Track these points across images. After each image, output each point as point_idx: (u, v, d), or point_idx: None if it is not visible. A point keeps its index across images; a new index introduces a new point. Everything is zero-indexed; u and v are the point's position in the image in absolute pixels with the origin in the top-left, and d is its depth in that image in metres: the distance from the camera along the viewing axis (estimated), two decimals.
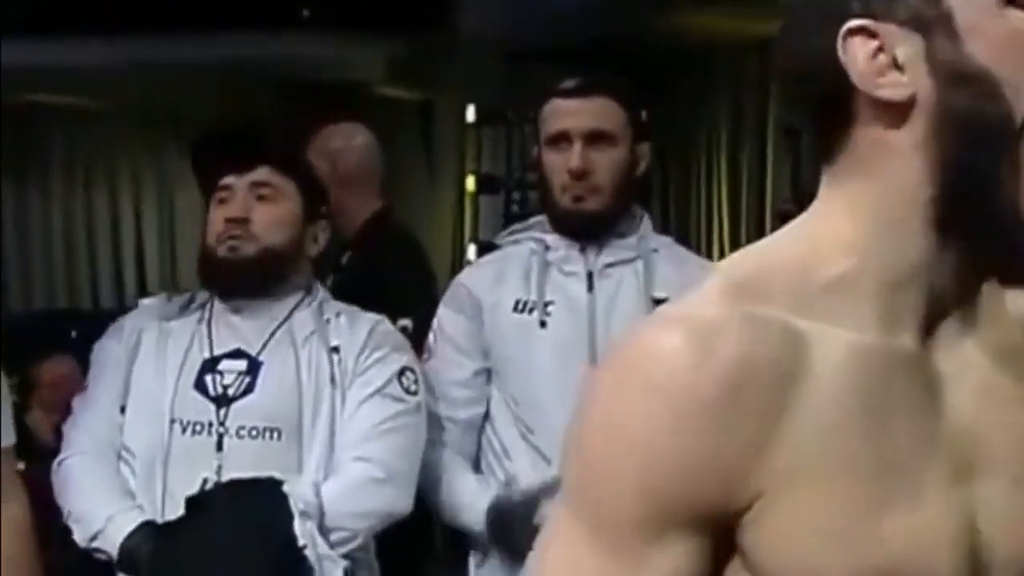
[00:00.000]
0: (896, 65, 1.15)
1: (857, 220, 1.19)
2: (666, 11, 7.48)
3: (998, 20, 1.14)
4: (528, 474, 2.98)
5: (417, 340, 3.83)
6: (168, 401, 2.82)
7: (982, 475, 1.20)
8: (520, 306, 3.02)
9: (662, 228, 4.95)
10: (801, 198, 6.53)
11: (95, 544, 2.82)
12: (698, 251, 3.43)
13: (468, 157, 8.95)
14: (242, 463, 2.77)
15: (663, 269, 3.03)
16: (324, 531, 2.72)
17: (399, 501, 2.83)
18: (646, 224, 3.10)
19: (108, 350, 2.95)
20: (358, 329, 2.89)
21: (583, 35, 7.51)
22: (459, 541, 3.16)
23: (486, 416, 3.07)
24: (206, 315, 2.93)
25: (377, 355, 2.86)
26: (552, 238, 3.04)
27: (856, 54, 1.15)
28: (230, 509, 2.72)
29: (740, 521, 1.16)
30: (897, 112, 1.16)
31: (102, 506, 2.83)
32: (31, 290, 10.67)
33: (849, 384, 1.16)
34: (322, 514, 2.72)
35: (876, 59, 1.15)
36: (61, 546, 2.93)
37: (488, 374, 3.06)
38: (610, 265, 3.02)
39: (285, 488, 2.72)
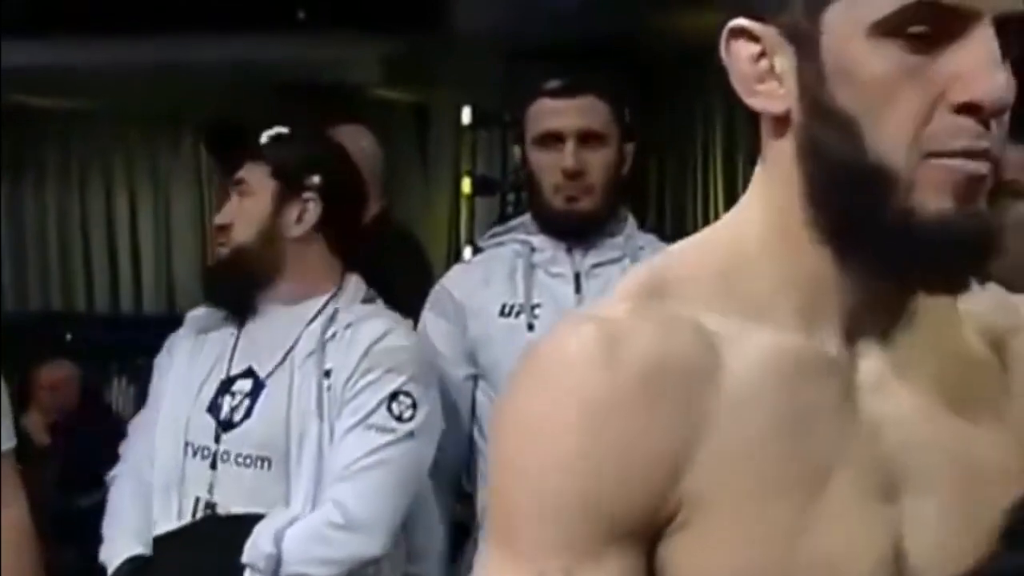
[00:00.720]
0: (775, 73, 1.11)
1: (764, 224, 1.15)
2: (663, 11, 7.47)
3: (866, 55, 1.07)
4: None
5: None
6: (183, 424, 2.74)
7: (909, 494, 1.14)
8: (507, 310, 2.99)
9: (658, 228, 4.95)
10: None
11: (108, 568, 2.79)
12: None
13: (463, 159, 8.94)
14: (235, 492, 2.68)
15: None
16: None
17: (366, 547, 2.61)
18: (631, 223, 3.08)
19: (157, 366, 2.89)
20: (355, 347, 2.70)
21: (580, 36, 7.51)
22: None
23: (474, 423, 3.03)
24: (239, 325, 2.81)
25: (368, 379, 2.67)
26: (538, 239, 3.01)
27: (739, 55, 1.12)
28: (183, 555, 2.68)
29: (663, 536, 1.11)
30: (778, 122, 1.13)
31: (115, 535, 2.80)
32: (26, 292, 10.65)
33: (767, 384, 1.11)
34: (278, 563, 2.58)
35: (757, 64, 1.12)
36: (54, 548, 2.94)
37: (475, 380, 3.02)
38: (597, 265, 3.00)
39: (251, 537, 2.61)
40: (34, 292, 10.74)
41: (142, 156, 10.77)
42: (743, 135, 8.13)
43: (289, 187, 2.78)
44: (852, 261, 1.12)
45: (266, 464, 2.66)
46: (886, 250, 1.09)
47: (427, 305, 3.10)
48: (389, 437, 2.66)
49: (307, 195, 2.78)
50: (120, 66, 8.59)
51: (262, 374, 2.72)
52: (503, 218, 8.62)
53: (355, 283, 2.84)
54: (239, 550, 2.58)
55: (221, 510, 2.68)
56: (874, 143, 1.07)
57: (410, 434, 2.68)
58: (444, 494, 3.05)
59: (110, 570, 2.74)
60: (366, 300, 2.83)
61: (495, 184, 8.48)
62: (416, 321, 3.83)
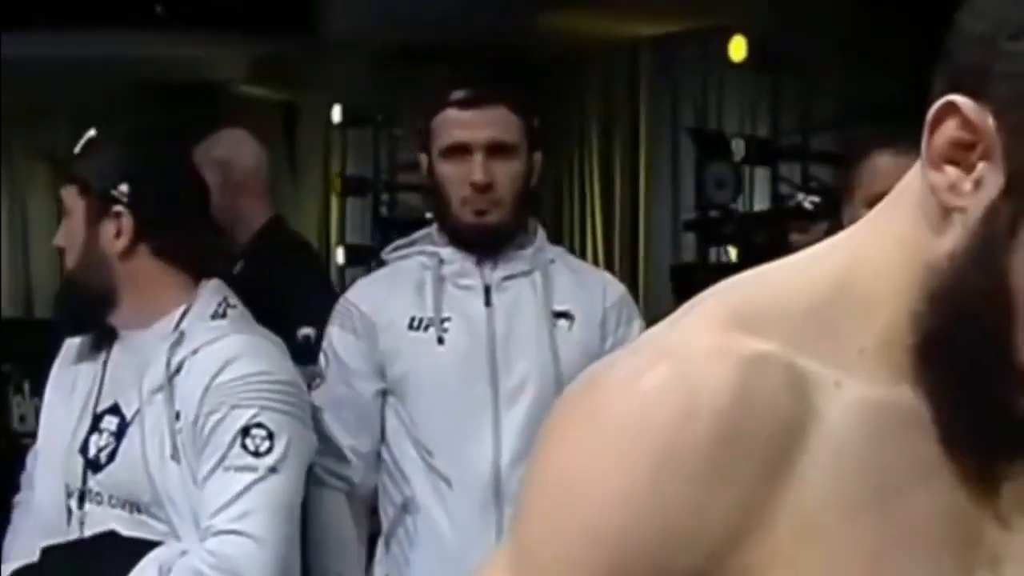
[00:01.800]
0: (971, 174, 0.98)
1: (881, 269, 1.02)
2: (536, 13, 7.45)
3: None
4: (427, 497, 2.88)
5: (320, 348, 3.77)
6: (60, 467, 2.59)
7: (1011, 563, 1.04)
8: (416, 323, 2.91)
9: None
10: (709, 205, 6.53)
11: None
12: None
13: (334, 159, 8.85)
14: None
15: (561, 281, 2.95)
16: None
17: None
18: (541, 235, 3.01)
19: (45, 396, 2.76)
20: (196, 384, 2.48)
21: (452, 36, 7.46)
22: None
23: (383, 439, 2.95)
24: (107, 354, 2.63)
25: (214, 419, 2.46)
26: (447, 251, 2.94)
27: (944, 131, 0.98)
28: (70, 564, 2.58)
29: None
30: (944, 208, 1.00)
31: (11, 553, 2.73)
32: None
33: (862, 440, 0.99)
34: None
35: (958, 151, 0.99)
36: None
37: (384, 395, 2.95)
38: (508, 278, 2.93)
39: (153, 555, 2.49)
40: None
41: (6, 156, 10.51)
42: (619, 139, 8.13)
43: (98, 202, 2.56)
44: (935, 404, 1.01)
45: (135, 508, 2.51)
46: (972, 415, 1.00)
47: (332, 320, 3.00)
48: (252, 476, 2.46)
49: (117, 208, 2.56)
50: None
51: (127, 412, 2.56)
52: (376, 219, 8.59)
53: (206, 296, 2.61)
54: (125, 571, 2.48)
55: None
56: (1019, 336, 0.97)
57: (272, 469, 2.49)
58: (360, 514, 2.98)
59: None
60: (216, 315, 2.59)
61: (367, 184, 8.39)
62: (318, 329, 3.78)
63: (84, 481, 2.55)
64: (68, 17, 7.95)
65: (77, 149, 2.66)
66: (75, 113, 8.64)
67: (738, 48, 6.40)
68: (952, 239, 0.99)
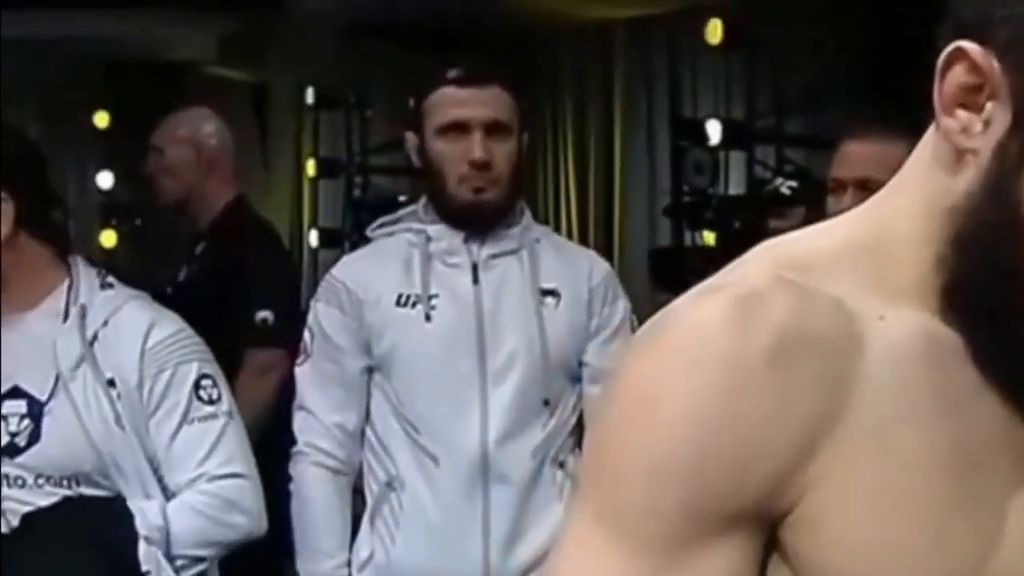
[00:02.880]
0: (981, 115, 1.05)
1: (916, 211, 1.09)
2: None
3: None
4: (413, 474, 2.89)
5: (278, 332, 3.75)
6: None
7: None
8: (403, 300, 2.92)
9: None
10: (688, 189, 6.49)
11: None
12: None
13: (306, 141, 8.79)
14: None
15: (547, 259, 2.98)
16: (170, 557, 2.54)
17: (252, 524, 2.61)
18: (527, 215, 3.05)
19: None
20: (128, 351, 2.57)
21: (424, 16, 7.42)
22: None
23: (368, 416, 2.97)
24: None
25: (161, 382, 2.57)
26: (435, 229, 2.96)
27: (953, 78, 1.05)
28: (68, 527, 2.53)
29: (788, 519, 1.04)
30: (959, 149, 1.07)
31: None
32: None
33: (914, 368, 1.05)
34: (169, 545, 2.53)
35: (968, 95, 1.05)
36: None
37: (370, 372, 2.96)
38: (495, 256, 2.95)
39: (131, 508, 2.53)
40: None
41: None
42: (594, 123, 8.10)
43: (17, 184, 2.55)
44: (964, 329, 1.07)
45: (73, 482, 2.55)
46: (999, 351, 1.06)
47: (318, 296, 3.00)
48: (219, 423, 2.61)
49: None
50: None
51: (37, 393, 2.56)
52: (349, 201, 8.53)
53: (84, 268, 2.66)
54: (107, 530, 2.51)
55: None
56: None
57: (228, 413, 2.63)
58: (345, 492, 2.99)
59: None
60: (104, 286, 2.65)
61: (340, 166, 8.33)
62: (276, 311, 3.76)
63: (8, 465, 2.53)
64: None
65: None
66: (42, 93, 8.55)
67: (714, 31, 6.37)
68: (967, 180, 1.05)
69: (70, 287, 2.61)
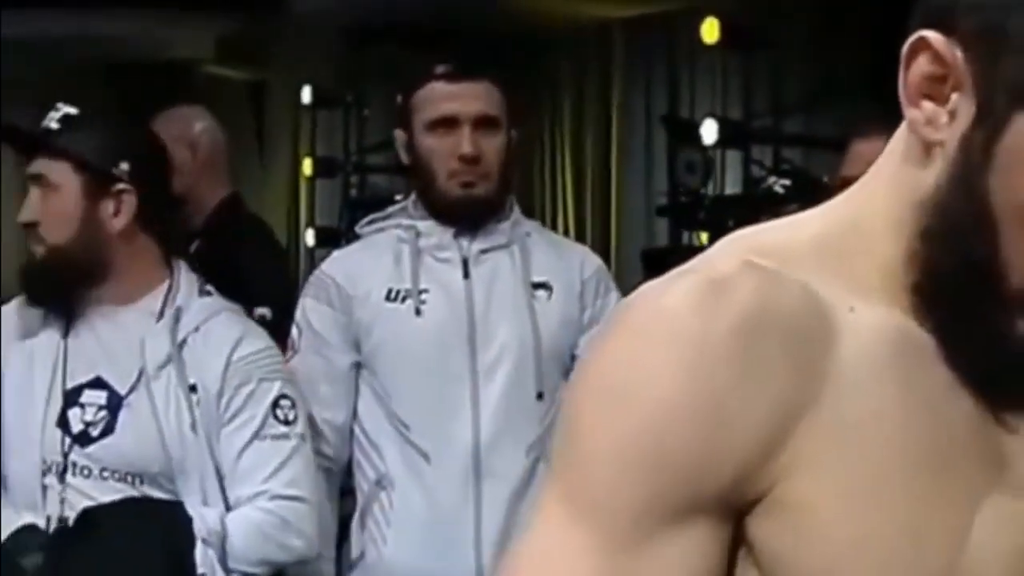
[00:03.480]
0: (946, 106, 1.03)
1: (885, 207, 1.07)
2: None
3: None
4: (403, 472, 2.88)
5: (276, 328, 3.76)
6: (38, 443, 2.60)
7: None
8: (393, 295, 2.91)
9: None
10: (680, 189, 6.50)
11: None
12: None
13: (303, 140, 8.79)
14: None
15: (539, 253, 2.98)
16: (225, 567, 2.56)
17: (306, 549, 2.65)
18: (516, 209, 3.04)
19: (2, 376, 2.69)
20: (214, 358, 2.63)
21: (421, 16, 7.42)
22: None
23: (355, 413, 2.96)
24: (64, 329, 2.66)
25: (242, 394, 2.62)
26: (425, 224, 2.95)
27: (917, 67, 1.04)
28: (128, 525, 2.56)
29: (756, 508, 1.02)
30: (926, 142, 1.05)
31: None
32: None
33: (886, 359, 1.03)
34: (225, 553, 2.55)
35: (932, 85, 1.03)
36: None
37: (359, 368, 2.95)
38: (485, 251, 2.95)
39: (190, 512, 2.56)
40: None
41: None
42: (591, 122, 8.10)
43: (97, 180, 2.62)
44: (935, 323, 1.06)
45: (138, 479, 2.59)
46: (972, 347, 1.04)
47: (306, 291, 3.01)
48: (290, 444, 2.65)
49: (119, 186, 2.63)
50: None
51: (119, 387, 2.61)
52: (346, 200, 8.53)
53: (186, 273, 2.73)
54: (165, 530, 2.55)
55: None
56: (1008, 258, 1.02)
57: (301, 436, 2.67)
58: (333, 490, 2.98)
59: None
60: (202, 292, 2.73)
61: (337, 165, 8.34)
62: (274, 309, 3.77)
63: (66, 455, 2.58)
64: None
65: (54, 124, 2.63)
66: (41, 92, 8.57)
67: (711, 30, 6.37)
68: (935, 173, 1.04)
69: (169, 288, 2.66)
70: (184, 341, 2.62)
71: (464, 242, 2.94)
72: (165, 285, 2.68)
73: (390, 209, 3.05)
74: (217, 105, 4.79)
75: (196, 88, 8.78)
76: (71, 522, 2.55)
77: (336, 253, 3.16)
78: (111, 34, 8.50)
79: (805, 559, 1.02)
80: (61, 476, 2.58)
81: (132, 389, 2.60)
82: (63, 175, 2.61)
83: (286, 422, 2.64)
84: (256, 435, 2.61)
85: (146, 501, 2.59)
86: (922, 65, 1.03)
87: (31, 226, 2.63)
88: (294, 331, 2.99)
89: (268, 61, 8.96)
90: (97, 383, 2.62)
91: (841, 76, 6.40)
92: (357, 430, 2.95)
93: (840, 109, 5.98)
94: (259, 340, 2.70)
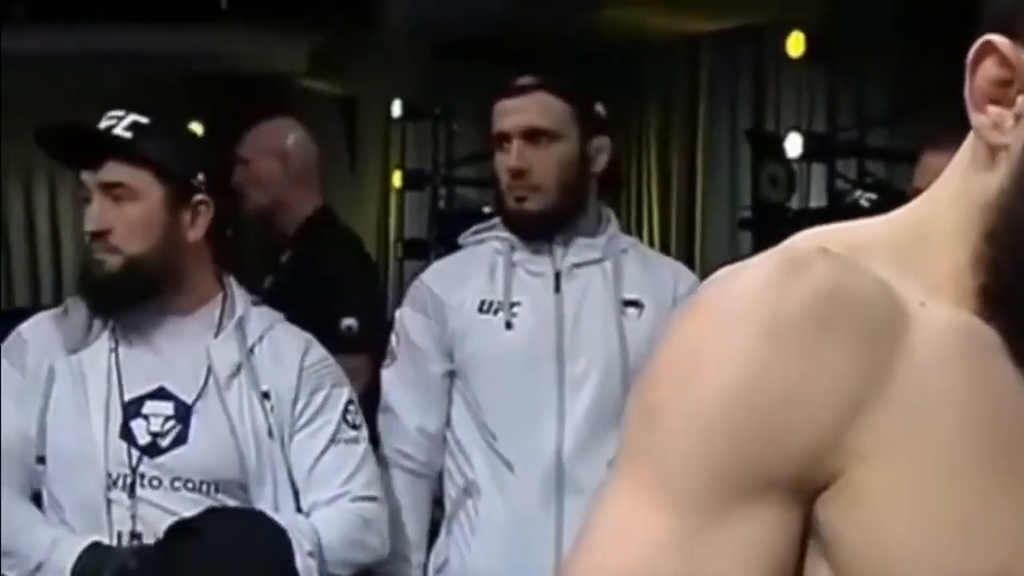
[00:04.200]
0: (1013, 109, 1.03)
1: (954, 210, 1.08)
2: (594, 7, 7.46)
3: None
4: (488, 481, 2.91)
5: (362, 339, 3.82)
6: (101, 456, 2.55)
7: None
8: (485, 307, 2.94)
9: None
10: (764, 203, 6.50)
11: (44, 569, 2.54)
12: None
13: (393, 152, 8.88)
14: (166, 518, 2.54)
15: (632, 270, 2.98)
16: (323, 572, 2.59)
17: (382, 549, 2.72)
18: (613, 224, 3.05)
19: (9, 381, 2.61)
20: (286, 367, 2.65)
21: (510, 30, 7.48)
22: None
23: (448, 421, 3.00)
24: (115, 340, 2.62)
25: (317, 401, 2.66)
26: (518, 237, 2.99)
27: (984, 72, 1.04)
28: (234, 534, 2.54)
29: (825, 494, 1.02)
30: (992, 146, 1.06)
31: (40, 534, 2.56)
32: None
33: (959, 351, 1.03)
34: (322, 557, 2.58)
35: (999, 89, 1.04)
36: None
37: (452, 377, 2.98)
38: (578, 265, 2.96)
39: (281, 522, 2.56)
40: None
41: None
42: (675, 133, 8.11)
43: (178, 190, 2.61)
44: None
45: (212, 488, 2.58)
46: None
47: (405, 301, 3.05)
48: (361, 448, 2.70)
49: (198, 197, 2.62)
50: (41, 56, 8.44)
51: (184, 396, 2.59)
52: (434, 213, 8.62)
53: (235, 285, 2.73)
54: (263, 541, 2.54)
55: (147, 539, 2.56)
56: None
57: (368, 440, 2.73)
58: (424, 496, 3.02)
59: (67, 565, 2.51)
60: (256, 303, 2.74)
61: (426, 177, 8.42)
62: (360, 319, 3.83)
63: (134, 468, 2.55)
64: (131, 11, 8.03)
65: (125, 132, 2.60)
66: (138, 108, 8.73)
67: (796, 43, 6.39)
68: (999, 176, 1.03)
69: (224, 299, 2.67)
70: (252, 349, 2.63)
71: (557, 256, 2.95)
72: (219, 296, 2.67)
73: (494, 220, 3.06)
74: (310, 118, 4.85)
75: (290, 102, 8.91)
76: (161, 534, 2.51)
77: (435, 263, 3.18)
78: (206, 49, 8.64)
79: (867, 547, 1.01)
80: (131, 489, 2.54)
81: (199, 398, 2.58)
82: (144, 183, 2.57)
83: (355, 426, 2.68)
84: (332, 440, 2.64)
85: (241, 511, 2.58)
86: (988, 69, 1.03)
87: (100, 235, 2.57)
88: (392, 339, 3.03)
89: (359, 75, 9.05)
90: (160, 393, 2.59)
91: (925, 88, 6.39)
92: (449, 437, 2.98)
93: (925, 122, 5.97)
94: (320, 348, 2.73)
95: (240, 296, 2.70)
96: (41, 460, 2.59)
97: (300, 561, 2.53)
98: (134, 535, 2.54)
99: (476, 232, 3.06)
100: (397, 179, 8.52)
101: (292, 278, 4.00)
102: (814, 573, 1.04)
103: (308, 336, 2.74)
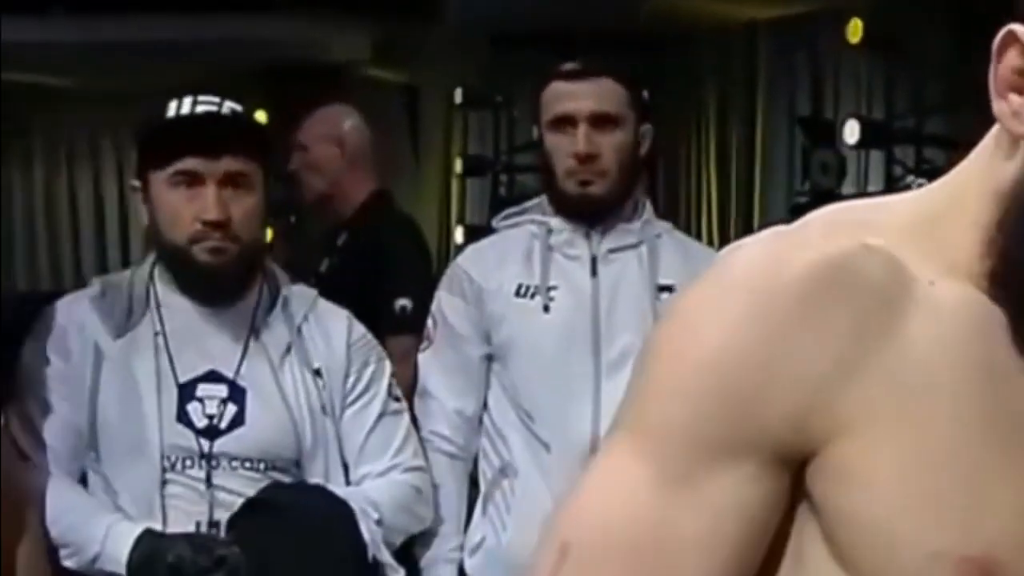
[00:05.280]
0: None
1: (977, 192, 1.09)
2: None
3: None
4: (525, 461, 2.95)
5: (416, 320, 3.85)
6: (156, 440, 2.56)
7: None
8: (523, 290, 2.98)
9: None
10: (815, 190, 6.51)
11: (97, 567, 2.53)
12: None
13: (455, 139, 8.93)
14: (234, 497, 2.58)
15: (667, 255, 3.00)
16: (385, 541, 2.64)
17: (430, 513, 2.80)
18: (648, 209, 3.07)
19: (52, 368, 2.60)
20: (335, 344, 2.69)
21: (570, 18, 7.51)
22: None
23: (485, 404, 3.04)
24: (158, 320, 2.64)
25: (366, 376, 2.71)
26: (556, 221, 3.01)
27: (1006, 60, 1.07)
28: (299, 509, 2.57)
29: (813, 463, 1.04)
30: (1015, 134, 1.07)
31: (95, 524, 2.54)
32: (13, 273, 10.61)
33: (963, 328, 1.05)
34: (383, 527, 2.63)
35: (1018, 77, 1.06)
36: None
37: (489, 360, 3.02)
38: (614, 250, 2.99)
39: (340, 493, 2.61)
40: (21, 273, 10.70)
41: (129, 136, 10.74)
42: (734, 121, 8.12)
43: (268, 178, 2.69)
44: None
45: (270, 467, 2.61)
46: None
47: (442, 284, 3.09)
48: (405, 419, 2.76)
49: (275, 185, 2.74)
50: (109, 45, 8.56)
51: (238, 378, 2.62)
52: (495, 198, 8.67)
53: (272, 264, 2.77)
54: (331, 513, 2.58)
55: (220, 515, 2.59)
56: None
57: (406, 410, 2.80)
58: (462, 477, 3.06)
59: (123, 553, 2.50)
60: (293, 281, 2.78)
61: (487, 164, 8.48)
62: (414, 300, 3.88)
63: (202, 450, 2.57)
64: (198, 2, 8.13)
65: (241, 122, 2.69)
66: (201, 95, 8.84)
67: (855, 30, 6.38)
68: (1016, 165, 1.05)
69: (264, 280, 2.70)
70: (299, 328, 2.66)
71: (594, 240, 2.98)
72: (259, 277, 2.70)
73: (526, 204, 3.11)
74: (373, 107, 4.91)
75: (352, 89, 9.00)
76: (236, 508, 2.54)
77: (471, 247, 3.21)
78: (270, 37, 8.72)
79: (853, 518, 1.03)
80: (207, 477, 2.56)
81: (253, 378, 2.61)
82: (256, 173, 2.62)
83: (398, 399, 2.74)
84: (382, 413, 2.69)
85: (304, 485, 2.61)
86: (1011, 58, 1.05)
87: (221, 225, 2.58)
88: (429, 322, 3.08)
89: (422, 64, 9.11)
90: (212, 376, 2.61)
91: (983, 76, 6.37)
92: (486, 419, 3.02)
93: (982, 110, 5.96)
94: (359, 323, 2.77)
95: (281, 276, 2.74)
96: (91, 446, 2.58)
97: (366, 529, 2.56)
98: (212, 523, 2.56)
99: (508, 216, 3.10)
100: (458, 166, 8.58)
101: (348, 260, 4.08)
102: (803, 537, 1.07)
103: (347, 312, 2.78)
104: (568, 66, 2.99)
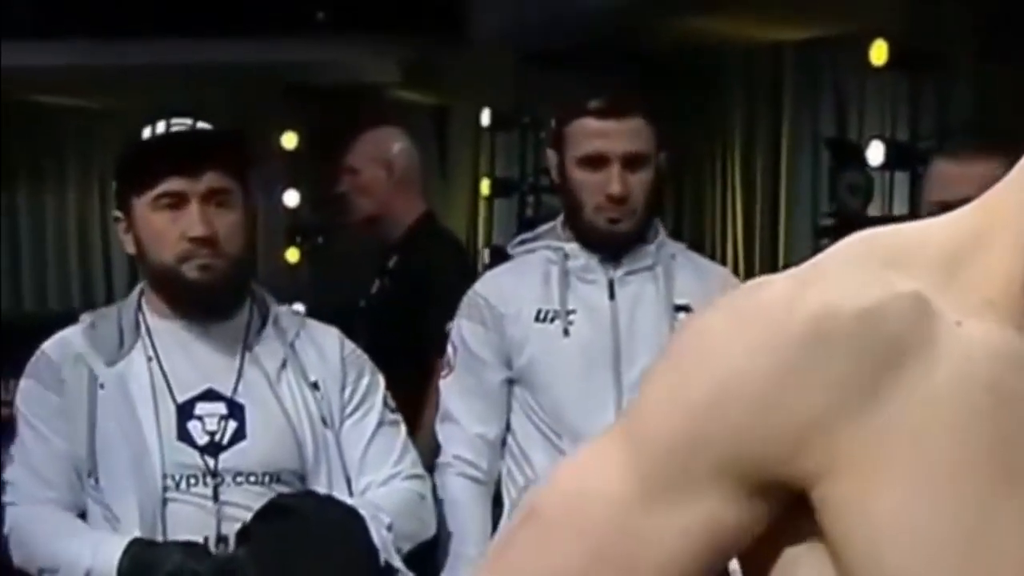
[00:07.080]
0: None
1: (1014, 217, 1.05)
2: (678, 16, 7.52)
3: None
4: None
5: None
6: (157, 459, 2.57)
7: None
8: (542, 315, 3.01)
9: (675, 232, 4.99)
10: (842, 212, 6.52)
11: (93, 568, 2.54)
12: (712, 260, 3.48)
13: (482, 161, 8.99)
14: (241, 512, 2.60)
15: (683, 275, 3.04)
16: (396, 548, 2.66)
17: (433, 523, 2.80)
18: (662, 231, 3.11)
19: (46, 403, 2.63)
20: (329, 357, 2.72)
21: (596, 40, 7.55)
22: None
23: (508, 428, 3.06)
24: (150, 346, 2.66)
25: (362, 387, 2.73)
26: (571, 246, 3.04)
27: None
28: (311, 518, 2.59)
29: (811, 501, 1.03)
30: None
31: (84, 543, 2.56)
32: (21, 293, 10.69)
33: (981, 373, 1.00)
34: (393, 534, 2.65)
35: None
36: None
37: (510, 384, 3.05)
38: (630, 273, 3.03)
39: (350, 502, 2.64)
40: (29, 293, 10.77)
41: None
42: (759, 142, 8.15)
43: (249, 195, 2.70)
44: None
45: (274, 480, 2.64)
46: None
47: (460, 312, 3.11)
48: (401, 428, 2.78)
49: (253, 199, 2.73)
50: (138, 68, 8.64)
51: (235, 395, 2.65)
52: (521, 220, 8.72)
53: (258, 286, 2.79)
54: (344, 520, 2.60)
55: (228, 530, 2.60)
56: None
57: (402, 420, 2.81)
58: (486, 500, 3.08)
59: (112, 565, 2.52)
60: (279, 302, 2.83)
61: (514, 186, 8.53)
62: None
63: (207, 467, 2.60)
64: (228, 24, 8.20)
65: (220, 140, 2.73)
66: (234, 116, 8.91)
67: (879, 52, 6.42)
68: None
69: (253, 300, 2.72)
70: (292, 344, 2.69)
71: (610, 264, 3.01)
72: (247, 301, 2.71)
73: (540, 229, 3.13)
74: (402, 128, 4.97)
75: (381, 112, 9.08)
76: (250, 520, 2.56)
77: (488, 273, 3.24)
78: (301, 60, 8.79)
79: (857, 560, 1.02)
80: (214, 493, 2.59)
81: (251, 394, 2.63)
82: (237, 190, 2.65)
83: (393, 409, 2.76)
84: (380, 423, 2.71)
85: (314, 495, 2.63)
86: None
87: (207, 241, 2.59)
88: (449, 349, 3.09)
89: (449, 86, 9.17)
90: (210, 395, 2.63)
91: (1007, 97, 6.39)
92: (510, 440, 3.04)
93: (1007, 131, 5.96)
94: (349, 340, 2.80)
95: (268, 296, 2.77)
96: (91, 473, 2.60)
97: (377, 535, 2.58)
98: (220, 538, 2.58)
99: (523, 242, 3.13)
100: (485, 187, 8.63)
101: (399, 282, 4.13)
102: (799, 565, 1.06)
103: (336, 329, 2.81)
104: (597, 103, 3.01)
